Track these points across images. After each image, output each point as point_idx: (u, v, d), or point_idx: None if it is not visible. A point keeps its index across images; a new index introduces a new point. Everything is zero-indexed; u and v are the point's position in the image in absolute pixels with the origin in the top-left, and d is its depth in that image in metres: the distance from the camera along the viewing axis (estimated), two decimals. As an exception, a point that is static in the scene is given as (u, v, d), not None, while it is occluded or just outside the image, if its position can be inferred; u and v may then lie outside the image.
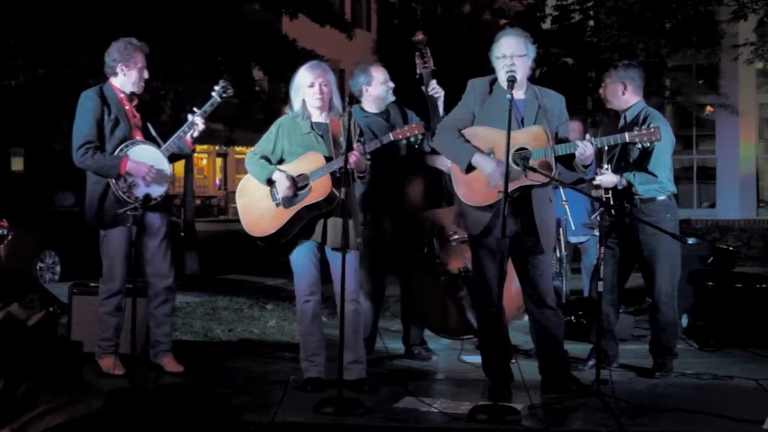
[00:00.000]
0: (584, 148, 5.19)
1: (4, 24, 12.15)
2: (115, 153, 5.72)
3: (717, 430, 4.76)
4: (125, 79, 5.83)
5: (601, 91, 6.14)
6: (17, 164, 22.85)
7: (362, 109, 6.36)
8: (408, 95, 6.55)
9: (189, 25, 12.68)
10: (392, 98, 6.36)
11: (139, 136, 5.83)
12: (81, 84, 12.54)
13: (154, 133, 5.90)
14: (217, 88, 5.91)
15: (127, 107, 5.85)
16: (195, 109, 5.90)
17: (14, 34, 12.25)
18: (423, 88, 6.39)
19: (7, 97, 15.09)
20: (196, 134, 5.90)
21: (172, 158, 5.92)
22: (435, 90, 6.34)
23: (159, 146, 5.84)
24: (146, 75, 5.88)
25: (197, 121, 5.83)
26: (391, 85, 6.35)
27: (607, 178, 5.84)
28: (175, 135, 5.85)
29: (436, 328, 6.51)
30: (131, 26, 12.27)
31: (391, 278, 6.56)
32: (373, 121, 6.26)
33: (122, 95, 5.85)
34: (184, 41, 13.05)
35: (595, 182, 5.88)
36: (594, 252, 7.81)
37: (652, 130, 5.34)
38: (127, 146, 5.74)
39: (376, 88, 6.32)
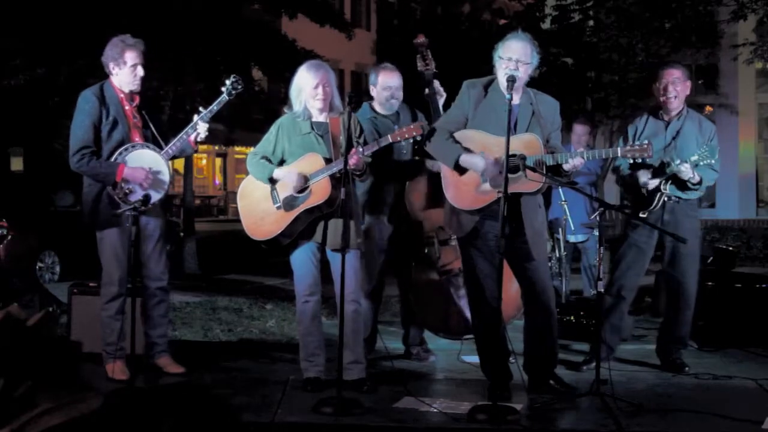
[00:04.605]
0: (574, 162, 5.20)
1: (3, 24, 12.15)
2: (113, 158, 5.57)
3: (717, 430, 4.76)
4: (119, 78, 5.66)
5: (669, 87, 6.00)
6: (17, 164, 22.85)
7: (372, 108, 6.30)
8: (406, 95, 6.52)
9: (188, 24, 12.68)
10: (393, 107, 6.23)
11: (138, 139, 5.66)
12: (81, 84, 12.60)
13: (156, 134, 5.72)
14: (228, 83, 5.73)
15: (127, 107, 5.67)
16: (201, 108, 5.71)
17: (14, 34, 12.25)
18: (425, 89, 6.36)
19: (6, 97, 15.09)
20: (200, 138, 5.71)
21: (174, 157, 5.79)
22: (438, 91, 6.33)
23: (160, 149, 5.67)
24: (141, 73, 5.62)
25: (200, 125, 5.64)
26: (396, 94, 6.20)
27: (687, 170, 5.81)
28: (178, 137, 5.67)
29: (436, 328, 6.50)
30: (131, 26, 12.35)
31: (390, 278, 6.55)
32: (381, 121, 6.21)
33: (122, 95, 5.67)
34: (183, 41, 13.06)
35: (676, 171, 5.82)
36: (594, 252, 7.80)
37: (645, 145, 5.32)
38: (125, 150, 5.58)
39: (378, 93, 6.29)
